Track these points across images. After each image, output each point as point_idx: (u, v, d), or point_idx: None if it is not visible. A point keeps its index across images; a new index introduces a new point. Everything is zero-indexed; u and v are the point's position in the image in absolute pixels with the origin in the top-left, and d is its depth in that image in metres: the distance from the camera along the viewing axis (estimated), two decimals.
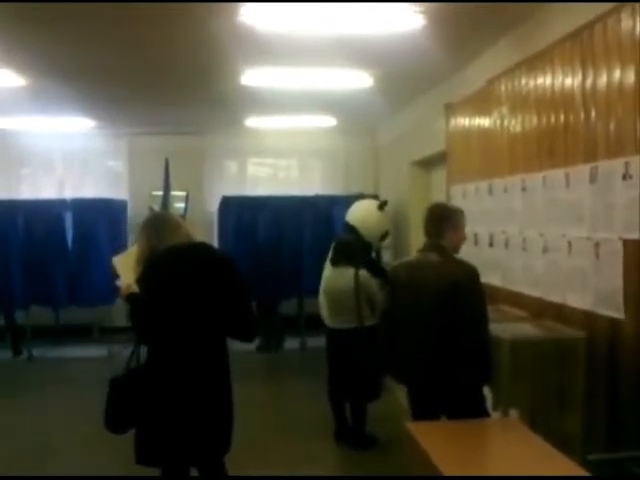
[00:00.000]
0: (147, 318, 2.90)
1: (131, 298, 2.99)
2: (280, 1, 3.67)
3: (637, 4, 3.01)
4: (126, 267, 3.17)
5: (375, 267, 6.75)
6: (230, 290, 2.93)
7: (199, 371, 2.88)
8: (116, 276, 3.27)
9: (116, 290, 3.23)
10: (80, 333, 8.56)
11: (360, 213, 7.04)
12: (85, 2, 3.71)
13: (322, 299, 4.86)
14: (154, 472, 3.03)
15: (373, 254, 6.97)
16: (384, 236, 7.22)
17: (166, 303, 2.86)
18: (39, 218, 7.90)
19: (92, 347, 8.18)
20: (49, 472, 4.26)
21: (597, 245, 3.35)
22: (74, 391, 6.18)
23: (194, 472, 3.11)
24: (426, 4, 3.83)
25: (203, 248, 3.13)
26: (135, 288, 2.97)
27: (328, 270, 4.85)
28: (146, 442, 2.91)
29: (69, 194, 8.67)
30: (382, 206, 7.13)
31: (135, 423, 2.90)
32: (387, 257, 8.00)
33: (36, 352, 7.78)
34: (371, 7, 3.81)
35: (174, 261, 2.93)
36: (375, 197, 7.74)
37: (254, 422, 5.07)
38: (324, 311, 4.83)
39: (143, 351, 3.01)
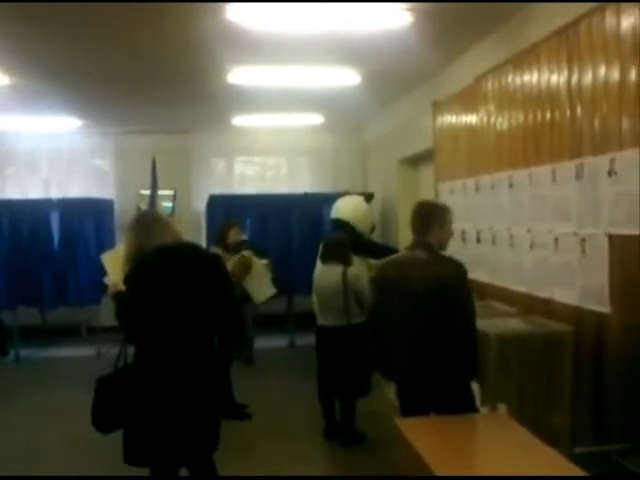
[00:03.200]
0: (134, 317, 2.89)
1: (118, 297, 2.98)
2: (267, 0, 3.66)
3: (622, 3, 3.04)
4: (114, 265, 3.17)
5: (377, 248, 6.79)
6: (217, 290, 2.94)
7: (186, 370, 2.87)
8: (105, 274, 3.27)
9: (104, 288, 3.22)
10: (68, 333, 8.51)
11: (349, 207, 7.06)
12: (72, 1, 3.68)
13: (314, 297, 4.87)
14: (143, 472, 3.03)
15: None
16: (372, 229, 7.26)
17: (154, 302, 2.86)
18: (25, 218, 7.84)
19: (80, 347, 8.14)
20: (37, 474, 4.23)
21: (583, 241, 3.38)
22: (62, 391, 6.14)
23: (184, 472, 3.11)
24: (413, 2, 3.84)
25: (190, 248, 3.14)
26: (122, 287, 2.96)
27: (318, 268, 4.86)
28: (134, 441, 2.91)
29: (55, 194, 8.60)
30: (369, 199, 7.22)
31: (123, 422, 2.90)
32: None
33: (23, 353, 7.73)
34: (358, 5, 3.82)
35: (162, 261, 2.93)
36: (362, 194, 7.71)
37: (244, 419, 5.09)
38: (315, 308, 4.84)
39: (131, 350, 3.00)
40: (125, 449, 2.92)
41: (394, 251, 6.12)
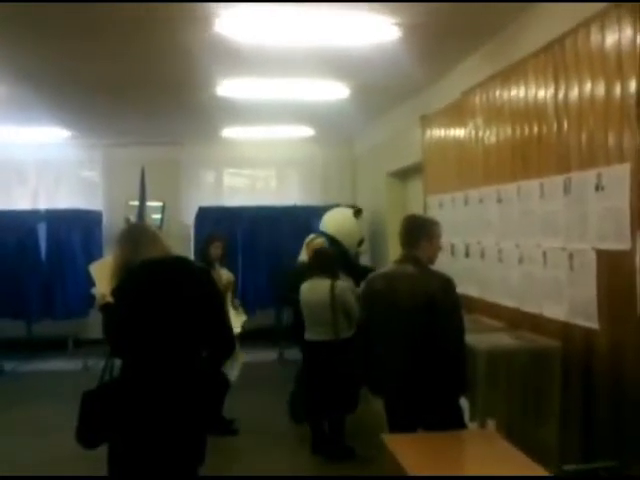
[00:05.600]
0: (121, 331, 2.86)
1: (106, 308, 2.95)
2: (258, 0, 3.63)
3: (606, 19, 3.06)
4: (102, 276, 3.13)
5: (359, 271, 6.75)
6: (206, 304, 2.91)
7: (172, 385, 2.84)
8: (93, 284, 3.24)
9: (92, 299, 3.19)
10: (54, 346, 8.41)
11: (336, 221, 7.06)
12: (60, 1, 3.64)
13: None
14: None
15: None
16: (360, 243, 7.25)
17: (141, 316, 2.83)
18: (12, 229, 7.78)
19: (67, 360, 8.05)
20: None
21: (571, 256, 3.38)
22: (48, 405, 6.06)
23: None
24: (402, 16, 3.85)
25: (180, 262, 3.10)
26: (110, 298, 2.93)
27: (305, 281, 4.84)
28: (119, 456, 2.86)
29: (43, 205, 8.55)
30: (357, 214, 7.17)
31: (108, 437, 2.85)
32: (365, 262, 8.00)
33: (8, 366, 7.63)
34: (347, 18, 3.83)
35: (149, 275, 2.89)
36: (352, 207, 7.74)
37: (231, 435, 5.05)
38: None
39: (117, 364, 2.97)
40: (110, 465, 2.87)
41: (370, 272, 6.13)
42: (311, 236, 5.84)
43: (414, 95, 6.12)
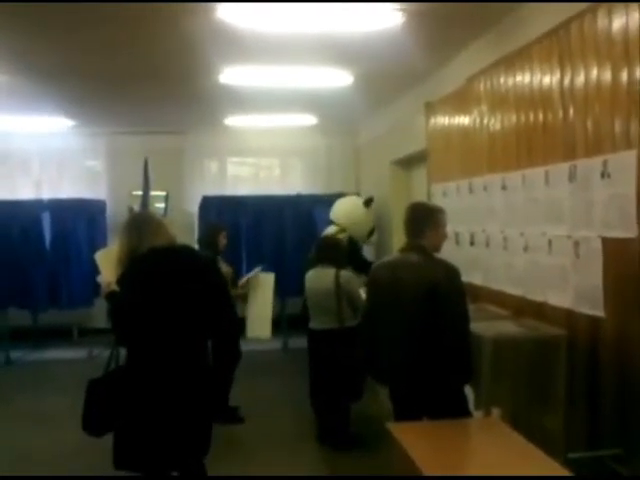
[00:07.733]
0: (126, 319, 2.87)
1: (111, 297, 2.96)
2: (259, 0, 3.63)
3: (613, 4, 3.03)
4: (108, 264, 3.14)
5: (361, 263, 6.76)
6: (211, 294, 2.91)
7: (178, 373, 2.84)
8: (99, 272, 3.24)
9: (97, 286, 3.20)
10: (60, 335, 8.46)
11: (346, 211, 7.03)
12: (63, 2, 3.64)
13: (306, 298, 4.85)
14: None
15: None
16: (371, 233, 7.23)
17: (147, 305, 2.83)
18: (16, 219, 7.79)
19: (72, 349, 8.09)
20: None
21: (577, 243, 3.36)
22: (53, 394, 6.09)
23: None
24: (406, 2, 3.82)
25: (185, 251, 3.10)
26: (115, 286, 2.93)
27: (310, 270, 4.83)
28: (125, 446, 2.87)
29: (46, 194, 8.55)
30: (368, 203, 7.15)
31: (114, 425, 2.86)
32: (369, 255, 8.00)
33: (15, 355, 7.67)
34: (351, 5, 3.80)
35: (155, 263, 2.90)
36: (357, 195, 7.73)
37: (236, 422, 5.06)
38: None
39: (123, 352, 2.98)
40: (115, 453, 2.89)
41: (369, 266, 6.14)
42: (331, 230, 5.75)
43: (418, 82, 6.08)
